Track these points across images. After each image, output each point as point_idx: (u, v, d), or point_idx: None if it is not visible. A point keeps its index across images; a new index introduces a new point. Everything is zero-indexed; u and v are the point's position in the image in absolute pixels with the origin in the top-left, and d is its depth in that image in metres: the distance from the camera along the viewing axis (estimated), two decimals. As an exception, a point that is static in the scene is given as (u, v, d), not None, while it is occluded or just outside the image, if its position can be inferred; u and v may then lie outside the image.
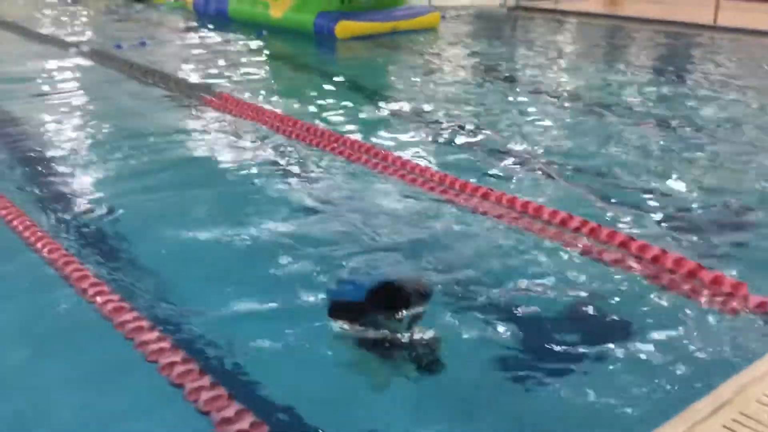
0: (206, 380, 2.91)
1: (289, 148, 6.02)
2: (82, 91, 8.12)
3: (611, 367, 3.11)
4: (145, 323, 3.29)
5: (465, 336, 3.29)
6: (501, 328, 3.37)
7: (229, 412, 2.72)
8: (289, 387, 2.95)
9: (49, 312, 3.47)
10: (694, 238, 4.34)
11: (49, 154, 5.85)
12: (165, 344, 3.14)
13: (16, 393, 2.95)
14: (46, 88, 8.16)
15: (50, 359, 3.14)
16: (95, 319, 3.38)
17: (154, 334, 3.20)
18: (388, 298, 3.20)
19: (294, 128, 6.40)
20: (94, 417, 2.80)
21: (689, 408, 2.67)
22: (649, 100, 7.91)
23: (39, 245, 4.07)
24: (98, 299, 3.48)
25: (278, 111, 7.02)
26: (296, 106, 7.38)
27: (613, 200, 4.89)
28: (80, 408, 2.85)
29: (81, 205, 4.80)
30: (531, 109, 7.42)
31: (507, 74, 9.31)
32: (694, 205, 4.84)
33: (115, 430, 2.75)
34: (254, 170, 5.50)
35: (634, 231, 4.38)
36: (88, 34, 11.91)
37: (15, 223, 4.39)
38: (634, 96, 8.09)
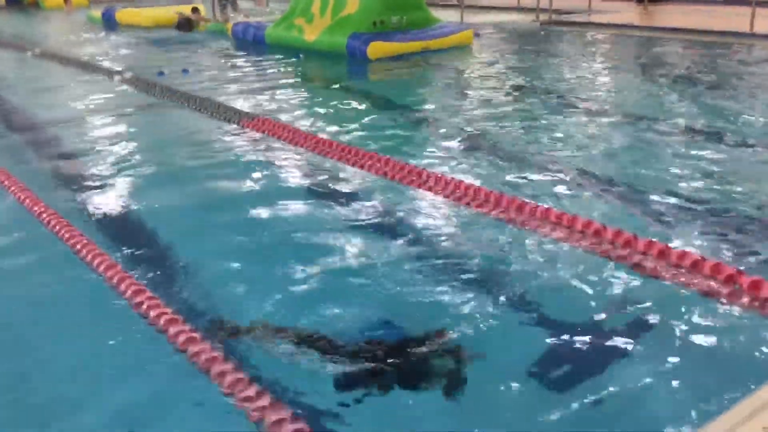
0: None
1: (326, 167, 6.16)
2: (124, 116, 8.40)
3: (649, 372, 3.13)
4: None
5: (499, 348, 3.36)
6: (539, 339, 3.43)
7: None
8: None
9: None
10: (734, 246, 4.33)
11: (92, 173, 6.14)
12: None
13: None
14: (89, 114, 8.47)
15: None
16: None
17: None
18: None
19: (330, 149, 6.55)
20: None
21: (729, 411, 2.68)
22: (687, 110, 7.86)
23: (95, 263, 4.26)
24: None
25: (314, 131, 7.18)
26: (331, 126, 7.52)
27: (650, 210, 4.90)
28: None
29: (121, 221, 5.02)
30: (566, 123, 7.44)
31: (542, 88, 9.34)
32: (733, 214, 4.81)
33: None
34: (291, 190, 5.65)
35: (673, 240, 4.39)
36: (132, 62, 12.31)
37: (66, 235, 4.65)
38: (671, 107, 8.05)
